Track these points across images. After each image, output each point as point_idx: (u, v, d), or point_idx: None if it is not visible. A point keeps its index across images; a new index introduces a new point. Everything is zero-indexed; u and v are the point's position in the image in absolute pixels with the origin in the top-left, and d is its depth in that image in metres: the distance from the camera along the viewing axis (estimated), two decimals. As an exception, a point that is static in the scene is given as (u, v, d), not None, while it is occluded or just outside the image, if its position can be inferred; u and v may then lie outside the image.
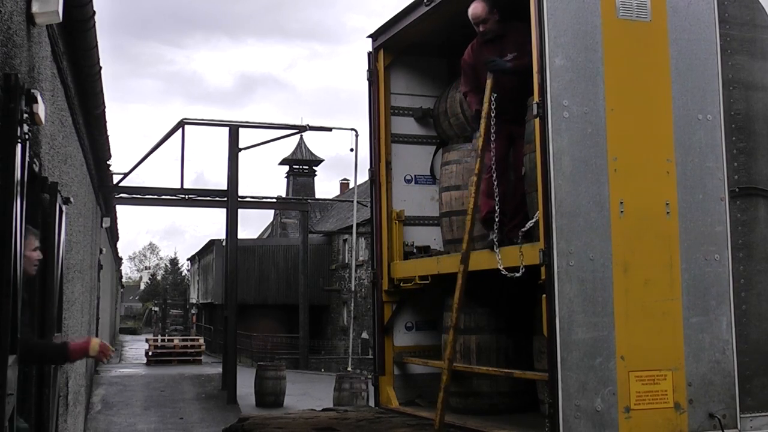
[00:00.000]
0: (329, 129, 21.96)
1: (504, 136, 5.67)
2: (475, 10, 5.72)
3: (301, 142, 47.51)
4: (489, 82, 5.59)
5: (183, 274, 76.26)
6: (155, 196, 20.35)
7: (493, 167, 5.61)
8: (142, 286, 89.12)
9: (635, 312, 4.69)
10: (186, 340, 34.52)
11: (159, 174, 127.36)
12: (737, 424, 4.86)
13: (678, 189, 4.87)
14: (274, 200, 27.99)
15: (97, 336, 19.11)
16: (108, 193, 16.66)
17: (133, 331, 68.15)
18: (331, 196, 48.13)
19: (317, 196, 46.81)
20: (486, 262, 5.47)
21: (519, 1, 5.06)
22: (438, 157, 7.05)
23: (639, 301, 4.71)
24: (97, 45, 6.23)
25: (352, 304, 27.05)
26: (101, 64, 6.77)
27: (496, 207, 5.50)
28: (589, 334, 4.59)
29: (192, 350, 31.54)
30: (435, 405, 5.46)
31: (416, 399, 6.59)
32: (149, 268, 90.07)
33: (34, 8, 3.73)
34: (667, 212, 4.83)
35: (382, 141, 6.85)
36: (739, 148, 5.18)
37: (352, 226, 25.29)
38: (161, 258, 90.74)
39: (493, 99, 5.52)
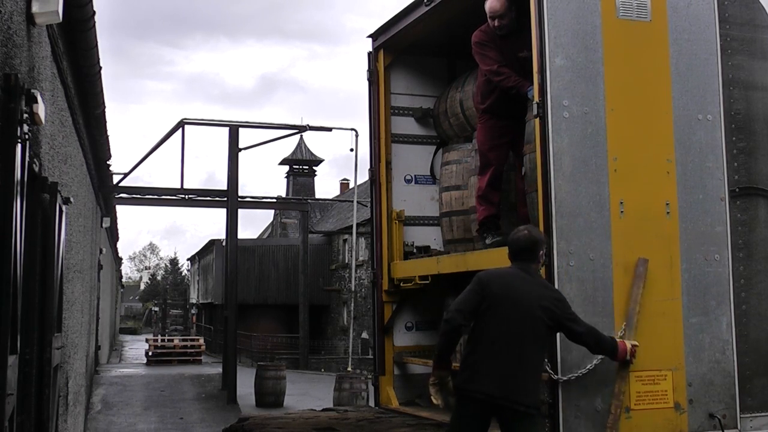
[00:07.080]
0: (329, 129, 21.89)
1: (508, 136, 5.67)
2: (492, 4, 5.62)
3: (301, 142, 47.46)
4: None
5: (183, 274, 76.17)
6: (155, 196, 20.30)
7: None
8: (142, 286, 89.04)
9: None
10: (186, 340, 34.47)
11: (165, 174, 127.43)
12: (737, 424, 4.85)
13: (678, 189, 4.87)
14: (274, 200, 27.96)
15: (97, 336, 19.12)
16: (108, 193, 16.61)
17: (133, 331, 68.12)
18: (331, 196, 48.05)
19: (317, 196, 46.77)
20: (486, 262, 5.46)
21: None
22: (438, 157, 7.05)
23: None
24: (97, 45, 6.22)
25: (352, 304, 26.96)
26: (101, 64, 6.77)
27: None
28: (589, 334, 4.58)
29: (192, 350, 31.51)
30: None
31: (416, 399, 6.58)
32: (149, 268, 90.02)
33: (34, 8, 3.72)
34: (667, 212, 4.83)
35: (382, 141, 6.85)
36: (739, 148, 5.19)
37: (352, 226, 25.25)
38: (161, 258, 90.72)
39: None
